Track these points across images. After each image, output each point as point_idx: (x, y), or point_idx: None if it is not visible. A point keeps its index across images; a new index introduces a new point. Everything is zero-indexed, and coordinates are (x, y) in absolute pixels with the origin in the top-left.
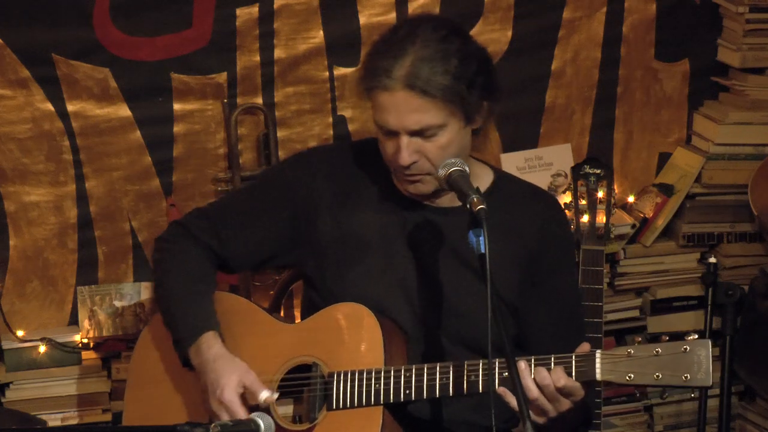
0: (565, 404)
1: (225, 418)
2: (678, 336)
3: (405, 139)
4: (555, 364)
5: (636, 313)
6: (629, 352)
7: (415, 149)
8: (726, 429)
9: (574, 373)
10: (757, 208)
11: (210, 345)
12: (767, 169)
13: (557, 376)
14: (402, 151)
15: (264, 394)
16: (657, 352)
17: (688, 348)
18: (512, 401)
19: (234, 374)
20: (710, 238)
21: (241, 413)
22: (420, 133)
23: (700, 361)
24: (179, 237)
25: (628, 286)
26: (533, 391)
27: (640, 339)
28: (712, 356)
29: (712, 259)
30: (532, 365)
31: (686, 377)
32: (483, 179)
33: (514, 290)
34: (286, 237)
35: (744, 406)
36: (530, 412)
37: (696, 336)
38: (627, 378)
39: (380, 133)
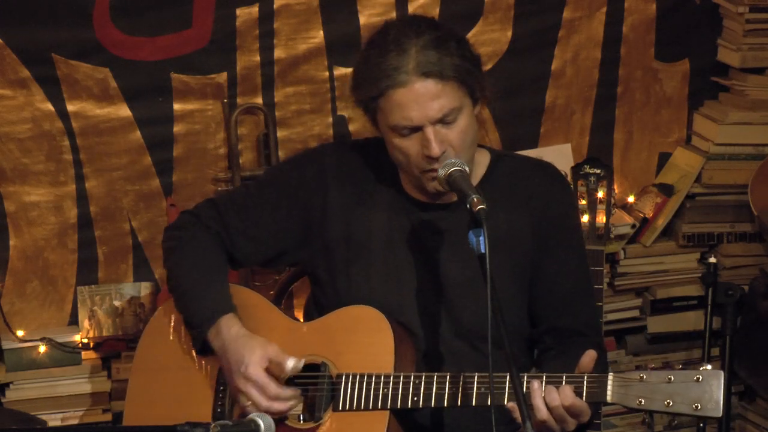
0: (572, 424)
1: (253, 393)
2: (676, 336)
3: (431, 129)
4: (566, 382)
5: (636, 313)
6: (642, 377)
7: (440, 139)
8: (726, 429)
9: (585, 393)
10: (757, 208)
11: (230, 326)
12: (767, 169)
13: (565, 395)
14: (432, 142)
15: (290, 363)
16: (669, 379)
17: (701, 377)
18: (519, 417)
19: (256, 349)
20: (710, 238)
21: (271, 386)
22: (442, 120)
23: (712, 391)
24: (190, 225)
25: (628, 286)
26: (542, 412)
27: (653, 365)
28: (712, 356)
29: (712, 259)
30: (543, 384)
31: (696, 406)
32: (480, 163)
33: (525, 268)
34: (296, 235)
35: (744, 406)
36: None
37: (709, 366)
38: (637, 402)
39: (396, 136)
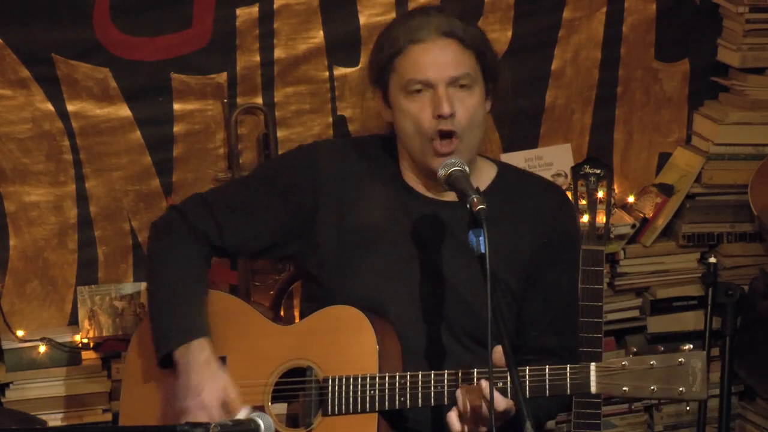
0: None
1: (200, 418)
2: (676, 336)
3: (443, 88)
4: (549, 374)
5: (636, 313)
6: (624, 365)
7: (452, 101)
8: (726, 429)
9: (568, 385)
10: (757, 208)
11: (202, 349)
12: (767, 169)
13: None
14: (443, 99)
15: (241, 414)
16: (652, 364)
17: (683, 360)
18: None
19: (220, 383)
20: (710, 238)
21: (216, 416)
22: (456, 81)
23: (695, 374)
24: (176, 226)
25: (628, 286)
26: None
27: (635, 349)
28: (712, 356)
29: (712, 259)
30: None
31: (681, 391)
32: (486, 173)
33: (520, 281)
34: (288, 227)
35: (744, 406)
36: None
37: (691, 346)
38: (622, 391)
39: (407, 98)
